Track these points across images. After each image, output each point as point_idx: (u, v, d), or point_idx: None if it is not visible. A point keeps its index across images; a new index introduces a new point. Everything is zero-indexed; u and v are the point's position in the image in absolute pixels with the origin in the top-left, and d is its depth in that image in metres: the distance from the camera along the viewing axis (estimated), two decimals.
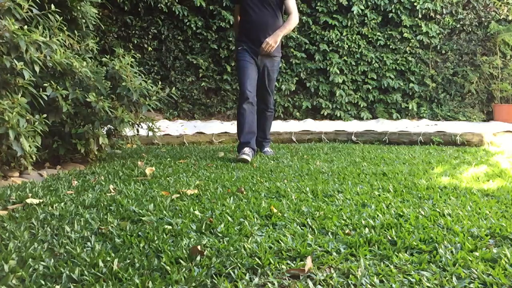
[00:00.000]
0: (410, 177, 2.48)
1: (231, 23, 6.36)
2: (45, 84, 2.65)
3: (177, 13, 6.33)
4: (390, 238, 1.43)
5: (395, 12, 6.59)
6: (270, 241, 1.41)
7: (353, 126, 5.47)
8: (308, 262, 1.21)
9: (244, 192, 2.13)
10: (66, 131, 2.90)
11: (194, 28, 6.48)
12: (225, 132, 4.85)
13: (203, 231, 1.54)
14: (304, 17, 6.62)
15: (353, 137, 4.70)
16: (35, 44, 2.55)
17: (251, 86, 3.37)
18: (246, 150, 3.29)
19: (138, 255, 1.29)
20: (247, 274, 1.17)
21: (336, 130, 4.97)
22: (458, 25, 6.62)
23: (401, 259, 1.26)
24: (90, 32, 3.59)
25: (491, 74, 6.48)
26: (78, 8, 3.37)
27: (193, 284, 1.11)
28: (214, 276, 1.16)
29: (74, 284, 1.12)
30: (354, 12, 6.52)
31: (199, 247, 1.30)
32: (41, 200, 1.96)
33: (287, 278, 1.16)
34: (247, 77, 3.36)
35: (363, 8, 6.55)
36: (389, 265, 1.22)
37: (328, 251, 1.33)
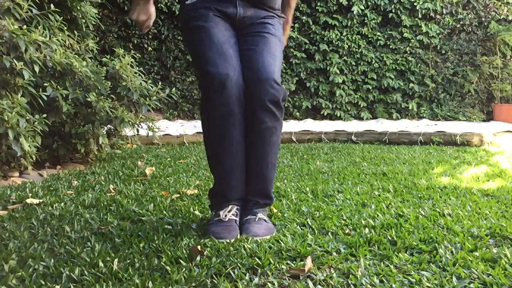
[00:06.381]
0: (410, 177, 2.48)
1: None
2: (45, 84, 2.65)
3: (177, 13, 6.32)
4: (390, 238, 1.43)
5: (395, 12, 6.59)
6: (270, 241, 1.41)
7: (353, 126, 5.47)
8: (308, 262, 1.21)
9: None
10: (66, 131, 2.90)
11: None
12: None
13: (203, 231, 1.53)
14: (304, 17, 6.62)
15: (353, 137, 4.70)
16: (35, 44, 2.55)
17: (226, 58, 1.49)
18: (229, 212, 1.54)
19: (138, 255, 1.29)
20: (247, 274, 1.17)
21: (336, 130, 4.96)
22: (458, 25, 6.62)
23: (401, 259, 1.25)
24: (90, 32, 3.58)
25: (491, 74, 6.48)
26: (78, 8, 3.37)
27: (193, 284, 1.11)
28: (214, 276, 1.16)
29: (74, 284, 1.12)
30: (354, 12, 6.52)
31: (199, 247, 1.30)
32: (41, 200, 1.96)
33: (287, 278, 1.16)
34: (214, 44, 1.50)
35: (363, 8, 6.55)
36: (389, 265, 1.22)
37: (328, 251, 1.33)
